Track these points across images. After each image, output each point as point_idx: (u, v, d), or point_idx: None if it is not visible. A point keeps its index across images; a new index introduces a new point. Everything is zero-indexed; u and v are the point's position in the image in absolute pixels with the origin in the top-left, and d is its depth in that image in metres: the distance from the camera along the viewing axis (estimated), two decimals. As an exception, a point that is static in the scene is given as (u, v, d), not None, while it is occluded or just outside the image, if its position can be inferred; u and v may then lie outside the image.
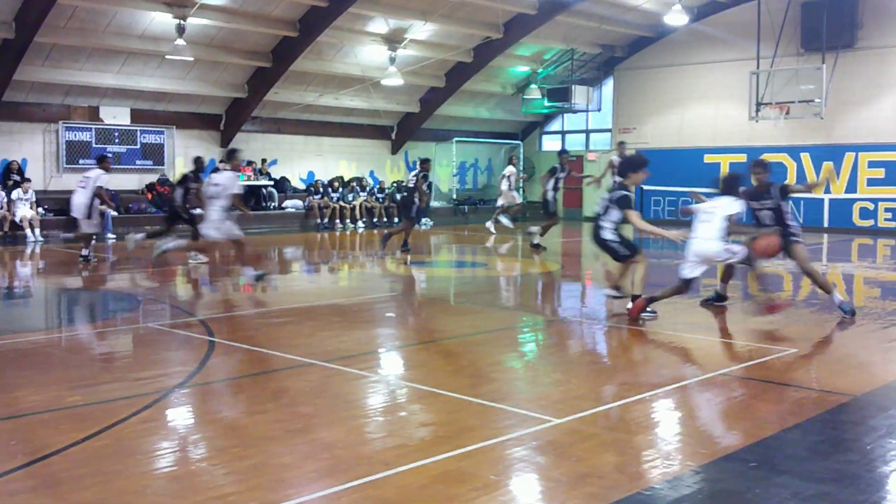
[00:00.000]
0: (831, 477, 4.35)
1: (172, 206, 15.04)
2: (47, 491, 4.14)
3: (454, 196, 27.76)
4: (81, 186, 14.53)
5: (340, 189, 23.75)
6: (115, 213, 19.35)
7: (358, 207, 23.78)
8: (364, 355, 7.35)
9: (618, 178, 10.68)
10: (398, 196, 18.08)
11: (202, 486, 4.23)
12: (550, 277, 13.72)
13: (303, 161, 24.72)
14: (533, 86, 26.70)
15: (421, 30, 21.83)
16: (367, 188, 24.72)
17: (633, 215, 9.03)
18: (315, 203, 22.94)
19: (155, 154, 21.29)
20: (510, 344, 8.34)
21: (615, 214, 9.18)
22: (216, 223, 11.67)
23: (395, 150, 26.82)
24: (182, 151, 21.96)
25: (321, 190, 23.34)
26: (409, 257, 15.37)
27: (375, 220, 24.15)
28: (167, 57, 18.95)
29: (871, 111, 22.34)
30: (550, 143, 29.64)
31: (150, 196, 20.88)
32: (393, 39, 22.01)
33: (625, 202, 9.07)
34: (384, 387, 6.33)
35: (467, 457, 4.62)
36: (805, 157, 23.11)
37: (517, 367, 7.21)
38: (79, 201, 14.52)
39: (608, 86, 27.57)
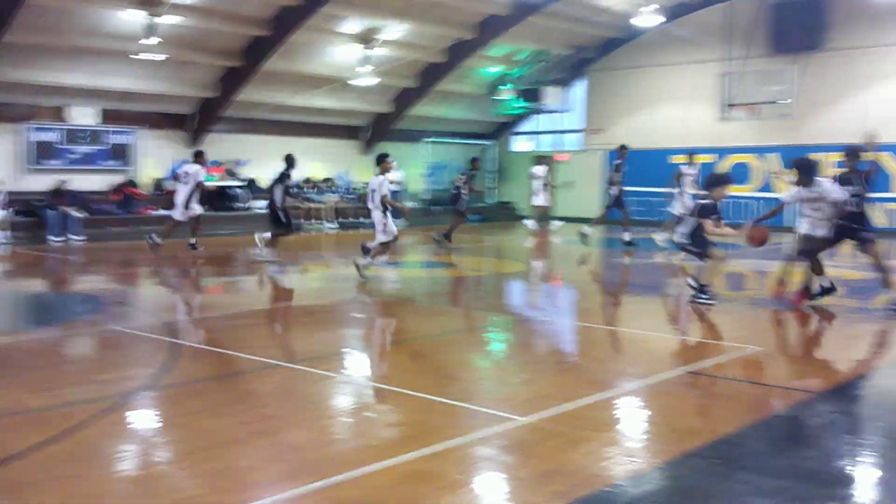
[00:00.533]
0: (792, 473, 4.40)
1: (273, 207, 14.91)
2: (8, 496, 4.08)
3: (426, 196, 27.75)
4: (184, 183, 15.86)
5: (311, 190, 23.64)
6: (80, 215, 19.13)
7: (330, 208, 23.70)
8: (330, 356, 7.33)
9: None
10: (451, 193, 18.95)
11: (166, 489, 4.20)
12: (518, 277, 13.76)
13: (274, 161, 24.53)
14: (505, 86, 26.77)
15: (394, 30, 21.81)
16: (339, 189, 24.64)
17: (709, 224, 9.74)
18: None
19: (123, 155, 21.06)
20: (477, 344, 8.36)
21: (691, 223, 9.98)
22: (386, 225, 12.08)
23: (366, 151, 26.76)
24: (151, 152, 21.75)
25: (291, 190, 23.21)
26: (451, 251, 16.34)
27: (347, 220, 24.08)
28: (137, 56, 18.77)
29: (840, 112, 22.63)
30: (522, 144, 29.75)
31: (117, 197, 20.64)
32: (366, 39, 21.97)
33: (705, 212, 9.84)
34: (350, 388, 6.32)
35: (433, 456, 4.62)
36: (774, 158, 23.37)
37: (484, 367, 7.23)
38: (181, 197, 15.84)
39: (580, 87, 27.71)
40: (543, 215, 22.83)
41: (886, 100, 21.88)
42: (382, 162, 12.44)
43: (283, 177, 14.84)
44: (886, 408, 5.68)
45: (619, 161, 18.03)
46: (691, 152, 19.30)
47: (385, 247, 12.41)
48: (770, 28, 22.77)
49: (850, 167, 10.05)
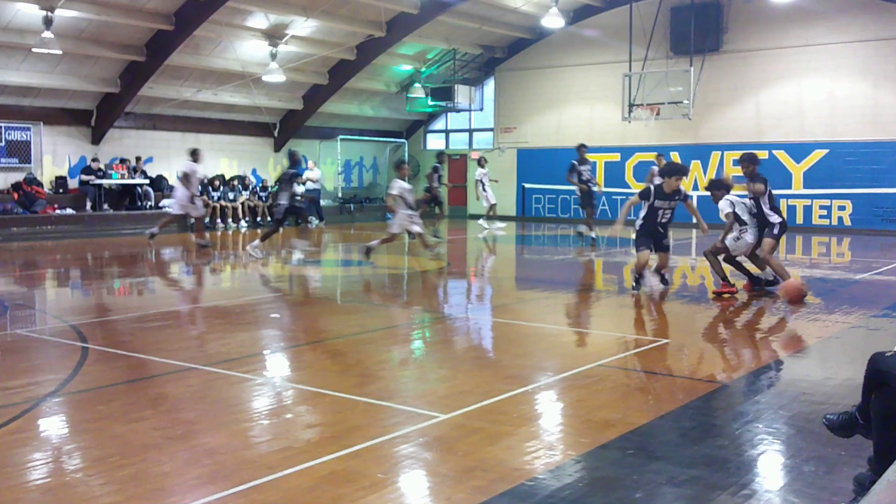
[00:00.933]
0: (703, 461, 4.57)
1: (289, 205, 14.86)
2: None
3: (339, 194, 27.58)
4: (183, 182, 16.57)
5: (221, 188, 23.19)
6: None
7: (241, 207, 23.29)
8: (247, 358, 7.22)
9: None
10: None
11: (78, 497, 4.07)
12: (437, 274, 13.83)
13: (181, 158, 23.95)
14: (416, 85, 26.84)
15: (302, 26, 21.58)
16: (250, 187, 24.24)
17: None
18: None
19: (21, 152, 20.23)
20: (397, 342, 8.37)
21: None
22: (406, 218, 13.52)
23: (277, 148, 26.41)
24: (50, 149, 20.97)
25: (200, 188, 22.70)
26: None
27: (259, 219, 23.72)
28: (33, 50, 18.05)
29: (735, 112, 23.55)
30: (434, 142, 29.87)
31: (16, 196, 19.82)
32: (274, 35, 21.67)
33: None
34: (269, 389, 6.24)
35: (354, 456, 4.61)
36: (674, 157, 24.13)
37: (404, 365, 7.24)
38: (180, 194, 16.49)
39: (489, 86, 28.01)
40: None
41: (778, 100, 22.90)
42: (399, 168, 14.07)
43: (294, 176, 14.93)
44: (790, 396, 5.95)
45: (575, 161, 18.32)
46: (660, 153, 20.00)
47: (388, 241, 13.93)
48: (670, 31, 23.52)
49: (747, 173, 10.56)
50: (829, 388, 6.17)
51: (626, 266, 14.62)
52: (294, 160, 15.29)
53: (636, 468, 4.45)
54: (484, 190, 23.24)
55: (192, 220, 17.73)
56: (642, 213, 10.71)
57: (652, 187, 10.73)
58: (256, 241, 14.98)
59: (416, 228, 13.80)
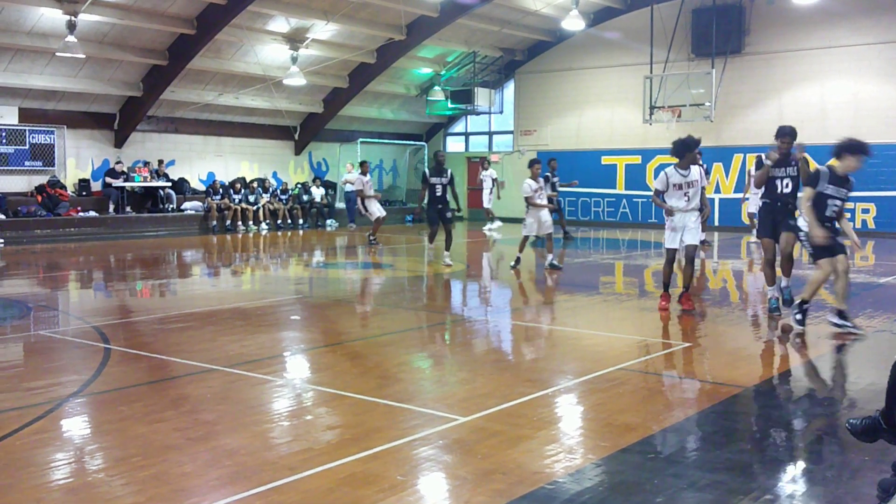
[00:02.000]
0: (725, 466, 4.54)
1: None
2: (-68, 509, 3.94)
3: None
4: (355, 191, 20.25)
5: (242, 190, 23.32)
6: (2, 217, 18.49)
7: (261, 209, 23.41)
8: (268, 359, 7.25)
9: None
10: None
11: (100, 497, 4.10)
12: (456, 277, 13.82)
13: (202, 162, 24.17)
14: (436, 88, 26.87)
15: (323, 29, 21.66)
16: (270, 189, 24.36)
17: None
18: (214, 204, 22.44)
19: (45, 155, 20.44)
20: (417, 344, 8.37)
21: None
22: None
23: (298, 151, 26.51)
24: (73, 152, 21.18)
25: (220, 191, 22.86)
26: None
27: (279, 221, 23.83)
28: (57, 54, 18.24)
29: (758, 114, 23.37)
30: (455, 145, 29.87)
31: (40, 199, 20.03)
32: (294, 39, 21.77)
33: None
34: (289, 391, 6.26)
35: (374, 458, 4.62)
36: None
37: (423, 367, 7.24)
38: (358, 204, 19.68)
39: (509, 88, 27.98)
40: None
41: (801, 102, 22.70)
42: (533, 166, 13.76)
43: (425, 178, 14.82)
44: (813, 401, 5.90)
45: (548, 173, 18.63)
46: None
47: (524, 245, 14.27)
48: (691, 32, 23.39)
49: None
50: (853, 393, 6.11)
51: (648, 269, 14.55)
52: (363, 168, 15.27)
53: (657, 472, 4.42)
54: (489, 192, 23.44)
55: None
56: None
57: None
58: (429, 243, 14.93)
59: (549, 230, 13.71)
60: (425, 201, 14.78)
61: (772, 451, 4.82)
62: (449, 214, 14.51)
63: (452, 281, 13.30)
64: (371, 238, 18.42)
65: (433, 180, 14.27)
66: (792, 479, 4.49)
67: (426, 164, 28.25)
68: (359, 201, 19.75)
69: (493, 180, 23.78)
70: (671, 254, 9.63)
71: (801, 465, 4.70)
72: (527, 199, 13.56)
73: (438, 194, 14.29)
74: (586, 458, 4.68)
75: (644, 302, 10.73)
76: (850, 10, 21.76)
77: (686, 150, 9.49)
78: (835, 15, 21.87)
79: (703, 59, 22.99)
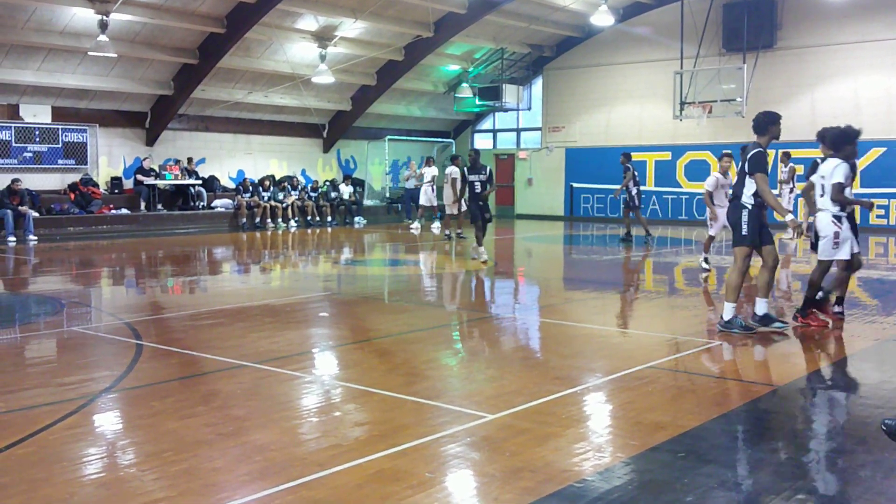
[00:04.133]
0: (756, 465, 4.49)
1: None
2: (-31, 502, 4.01)
3: (387, 194, 27.71)
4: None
5: (271, 188, 23.47)
6: (36, 214, 18.76)
7: (290, 206, 23.55)
8: (297, 356, 7.30)
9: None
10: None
11: (131, 492, 4.15)
12: (483, 275, 13.81)
13: (232, 159, 24.36)
14: (464, 84, 26.83)
15: (351, 27, 21.73)
16: (299, 187, 24.49)
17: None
18: (243, 202, 22.61)
19: (78, 153, 20.70)
20: (444, 341, 8.38)
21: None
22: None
23: (326, 149, 26.63)
24: (105, 150, 21.43)
25: (250, 189, 23.01)
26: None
27: (308, 219, 23.96)
28: (89, 53, 18.46)
29: (790, 109, 23.03)
30: (482, 142, 29.84)
31: (73, 196, 20.30)
32: (323, 37, 21.86)
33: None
34: (318, 387, 6.29)
35: (402, 455, 4.62)
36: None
37: (451, 365, 7.24)
38: (447, 194, 18.87)
39: (537, 85, 27.88)
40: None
41: (834, 97, 22.40)
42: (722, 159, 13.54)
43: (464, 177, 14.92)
44: (846, 400, 5.82)
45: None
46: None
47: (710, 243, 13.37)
48: (722, 27, 23.15)
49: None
50: (887, 392, 6.01)
51: (678, 266, 14.44)
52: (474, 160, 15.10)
53: (687, 471, 4.39)
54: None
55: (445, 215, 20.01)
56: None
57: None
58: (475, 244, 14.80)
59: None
60: (466, 197, 15.10)
61: (803, 451, 4.77)
62: (487, 215, 14.53)
63: (479, 279, 13.28)
64: (458, 233, 18.86)
65: (471, 178, 14.35)
66: (824, 478, 4.44)
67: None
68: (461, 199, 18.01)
69: (433, 178, 22.36)
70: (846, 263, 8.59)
71: (833, 464, 4.64)
72: (709, 194, 12.93)
73: (478, 191, 14.39)
74: (615, 457, 4.65)
75: (673, 299, 10.65)
76: (884, 3, 21.41)
77: (846, 142, 8.30)
78: (868, 9, 21.54)
79: (735, 54, 22.75)
